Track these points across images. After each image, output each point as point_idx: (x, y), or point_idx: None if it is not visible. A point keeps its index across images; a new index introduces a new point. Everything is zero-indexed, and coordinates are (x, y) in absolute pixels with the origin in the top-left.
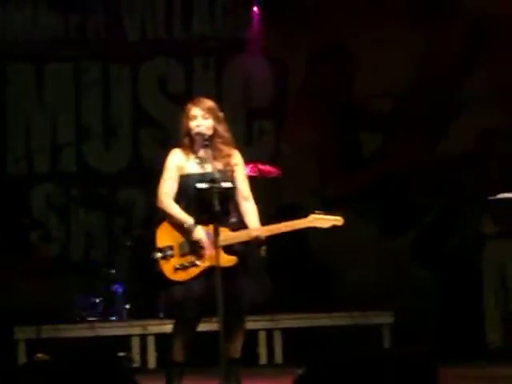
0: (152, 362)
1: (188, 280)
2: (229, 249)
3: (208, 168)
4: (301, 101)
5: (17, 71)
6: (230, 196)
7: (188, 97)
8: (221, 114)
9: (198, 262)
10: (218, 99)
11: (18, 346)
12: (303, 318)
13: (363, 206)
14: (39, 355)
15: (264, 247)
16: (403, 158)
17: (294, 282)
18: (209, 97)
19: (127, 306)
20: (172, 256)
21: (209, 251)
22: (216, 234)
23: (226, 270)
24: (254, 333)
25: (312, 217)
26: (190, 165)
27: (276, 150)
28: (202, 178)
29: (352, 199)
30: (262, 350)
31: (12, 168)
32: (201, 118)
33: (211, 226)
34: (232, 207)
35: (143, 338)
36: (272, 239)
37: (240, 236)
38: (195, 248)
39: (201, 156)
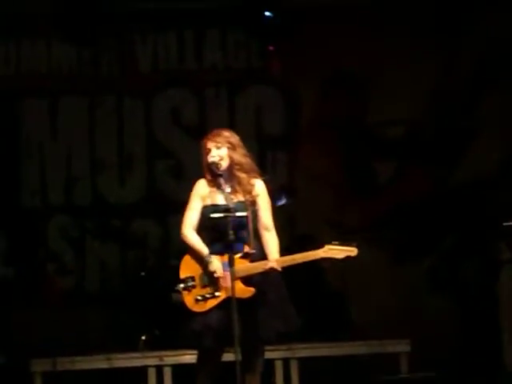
0: None
1: (207, 311)
2: (247, 280)
3: (234, 199)
4: (313, 129)
5: (31, 105)
6: (244, 225)
7: (201, 127)
8: (235, 141)
9: (217, 293)
10: (230, 129)
11: (34, 379)
12: (319, 347)
13: (377, 234)
14: None
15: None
16: (417, 185)
17: (308, 311)
18: (223, 127)
19: (143, 337)
20: (194, 287)
21: (225, 283)
22: (231, 263)
23: (244, 301)
24: (270, 362)
25: (327, 247)
26: (215, 196)
27: (289, 179)
28: (216, 208)
29: (366, 227)
30: (279, 380)
31: (27, 201)
32: (214, 149)
33: (227, 257)
34: (251, 238)
35: (159, 368)
36: (286, 267)
37: (257, 267)
38: (213, 279)
39: (225, 189)
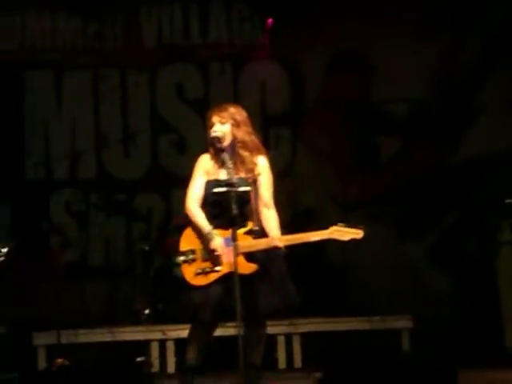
0: (171, 367)
1: (207, 285)
2: (250, 256)
3: (230, 175)
4: (317, 106)
5: (35, 78)
6: (247, 200)
7: (205, 102)
8: (240, 118)
9: (217, 268)
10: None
11: (37, 352)
12: (322, 323)
13: (381, 211)
14: (59, 360)
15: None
16: (420, 162)
17: (310, 287)
18: (230, 102)
19: (146, 311)
20: (194, 260)
21: (228, 258)
22: (234, 237)
23: (246, 277)
24: (272, 337)
25: (332, 228)
26: (218, 171)
27: (293, 155)
28: (218, 183)
29: (369, 203)
30: (281, 355)
31: (31, 174)
32: (218, 124)
33: (230, 232)
34: (252, 213)
35: (162, 342)
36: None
37: (260, 244)
38: (214, 255)
39: (228, 164)
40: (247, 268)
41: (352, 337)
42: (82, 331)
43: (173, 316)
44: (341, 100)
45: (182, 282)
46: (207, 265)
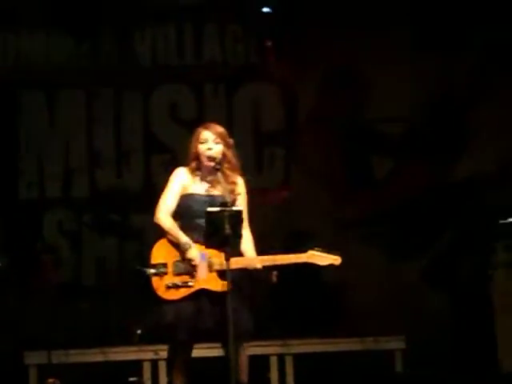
0: None
1: (178, 300)
2: (223, 274)
3: (214, 192)
4: (311, 125)
5: (29, 97)
6: (240, 219)
7: (199, 123)
8: (230, 140)
9: (190, 283)
10: (228, 125)
11: (29, 371)
12: (315, 344)
13: (374, 230)
14: (50, 380)
15: (275, 272)
16: (414, 182)
17: (303, 306)
18: (219, 122)
19: (139, 331)
20: (165, 273)
21: (202, 274)
22: (227, 258)
23: (218, 295)
24: (265, 358)
25: (310, 253)
26: (196, 186)
27: (287, 175)
28: (211, 200)
29: (363, 223)
30: (274, 375)
31: (24, 193)
32: (212, 142)
33: (207, 249)
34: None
35: (155, 362)
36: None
37: (238, 262)
38: (189, 268)
39: (208, 179)
40: (221, 285)
41: (345, 357)
42: (73, 351)
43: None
44: (334, 119)
45: (152, 294)
46: (180, 279)
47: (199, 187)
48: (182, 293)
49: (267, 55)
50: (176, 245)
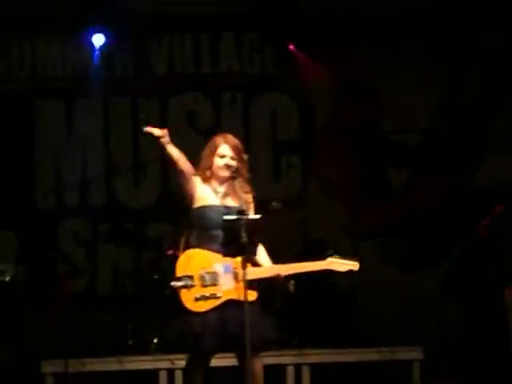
0: None
1: (206, 311)
2: (250, 284)
3: (228, 202)
4: (328, 135)
5: (46, 106)
6: (257, 228)
7: (216, 131)
8: (245, 156)
9: (219, 294)
10: (245, 134)
11: (45, 380)
12: (332, 354)
13: (390, 241)
14: None
15: (292, 282)
16: (430, 193)
17: (320, 317)
18: (235, 133)
19: (155, 340)
20: (193, 286)
21: (228, 285)
22: (244, 266)
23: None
24: (282, 368)
25: (329, 260)
26: (210, 198)
27: (303, 185)
28: (228, 210)
29: (379, 234)
30: None
31: (41, 202)
32: (229, 158)
33: (231, 259)
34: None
35: (171, 372)
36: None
37: (262, 272)
38: (215, 279)
39: (220, 190)
40: (249, 295)
41: (362, 368)
42: (89, 360)
43: (170, 345)
44: (351, 129)
45: (179, 307)
46: (208, 290)
47: (213, 198)
48: (210, 304)
49: (295, 59)
50: (203, 257)
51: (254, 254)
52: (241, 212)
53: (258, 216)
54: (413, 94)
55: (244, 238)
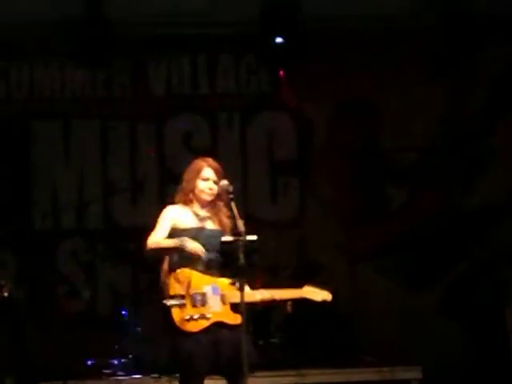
0: None
1: (196, 332)
2: (235, 307)
3: (208, 225)
4: (325, 155)
5: (44, 128)
6: (254, 249)
7: (213, 152)
8: (225, 181)
9: (208, 315)
10: (242, 154)
11: None
12: (330, 374)
13: (389, 260)
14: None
15: (290, 303)
16: (430, 211)
17: (320, 337)
18: (235, 152)
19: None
20: (184, 305)
21: (215, 307)
22: (241, 288)
23: (232, 327)
24: None
25: (306, 288)
26: (186, 219)
27: (301, 205)
28: (200, 231)
29: (378, 253)
30: None
31: (39, 224)
32: (212, 182)
33: (218, 281)
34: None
35: None
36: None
37: (248, 296)
38: (205, 301)
39: (201, 214)
40: (234, 318)
41: None
42: (89, 382)
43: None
44: (349, 148)
45: (171, 326)
46: (198, 311)
47: (191, 221)
48: (201, 325)
49: (281, 85)
50: (192, 278)
51: (253, 275)
52: (238, 233)
53: (254, 237)
54: (411, 112)
55: (241, 259)
